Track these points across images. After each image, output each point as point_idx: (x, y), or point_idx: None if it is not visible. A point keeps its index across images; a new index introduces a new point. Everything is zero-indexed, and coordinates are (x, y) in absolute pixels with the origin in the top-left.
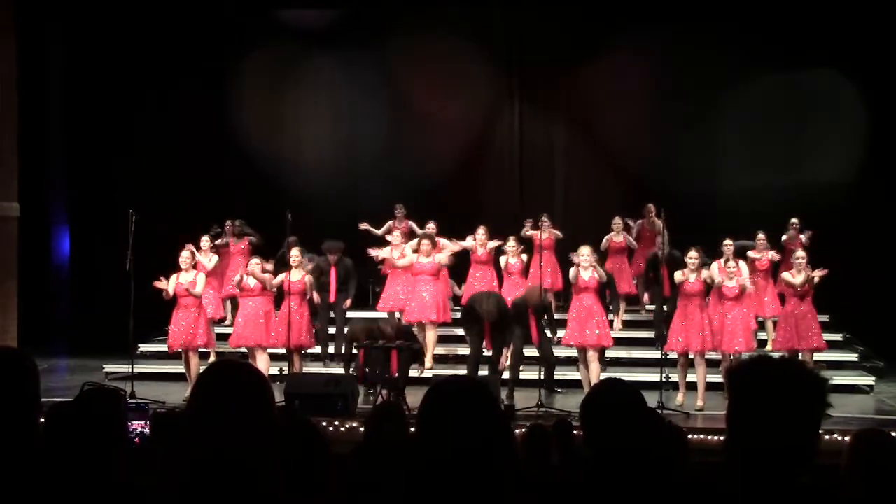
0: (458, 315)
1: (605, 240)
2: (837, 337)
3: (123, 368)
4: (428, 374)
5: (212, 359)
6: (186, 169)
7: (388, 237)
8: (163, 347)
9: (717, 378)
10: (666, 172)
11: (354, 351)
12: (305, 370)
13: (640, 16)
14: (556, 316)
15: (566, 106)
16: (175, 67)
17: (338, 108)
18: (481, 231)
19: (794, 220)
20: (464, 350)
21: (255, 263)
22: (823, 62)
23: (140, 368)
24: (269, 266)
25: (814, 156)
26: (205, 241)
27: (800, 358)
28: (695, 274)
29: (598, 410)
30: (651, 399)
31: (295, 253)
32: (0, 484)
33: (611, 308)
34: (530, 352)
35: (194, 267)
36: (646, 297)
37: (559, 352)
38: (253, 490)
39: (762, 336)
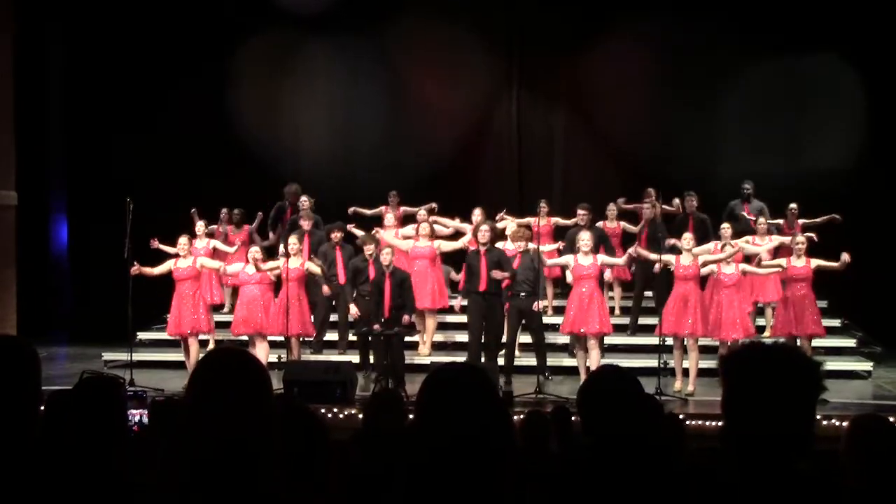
0: (454, 301)
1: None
2: (836, 322)
3: (122, 356)
4: (426, 360)
5: (210, 346)
6: (184, 157)
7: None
8: (162, 335)
9: (713, 364)
10: (665, 160)
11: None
12: (304, 358)
13: (640, 3)
14: (556, 303)
15: (565, 94)
16: (172, 55)
17: (336, 95)
18: (477, 212)
19: (792, 205)
20: (462, 337)
21: (256, 251)
22: (823, 48)
23: (139, 356)
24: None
25: (814, 142)
26: (199, 226)
27: (797, 344)
28: (689, 258)
29: (596, 397)
30: (649, 385)
31: (293, 241)
32: (1, 471)
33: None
34: (524, 338)
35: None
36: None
37: (559, 339)
38: (252, 478)
39: (761, 322)
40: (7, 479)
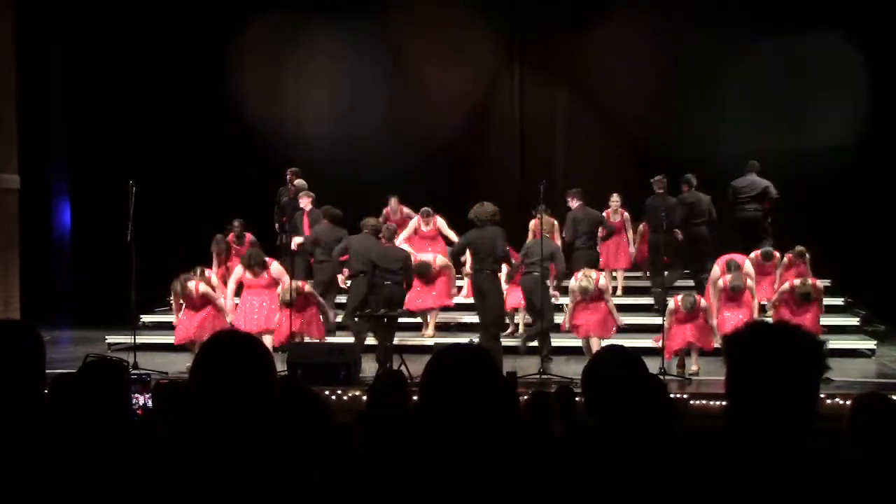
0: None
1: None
2: (839, 301)
3: (126, 339)
4: (430, 342)
5: None
6: (186, 140)
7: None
8: (165, 318)
9: (717, 343)
10: (668, 139)
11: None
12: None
13: None
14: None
15: (567, 74)
16: (175, 39)
17: (337, 77)
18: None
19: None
20: (467, 318)
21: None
22: (826, 25)
23: (142, 339)
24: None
25: (816, 120)
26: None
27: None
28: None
29: (600, 378)
30: (652, 366)
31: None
32: (6, 455)
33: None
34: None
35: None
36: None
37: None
38: (256, 459)
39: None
40: (12, 464)
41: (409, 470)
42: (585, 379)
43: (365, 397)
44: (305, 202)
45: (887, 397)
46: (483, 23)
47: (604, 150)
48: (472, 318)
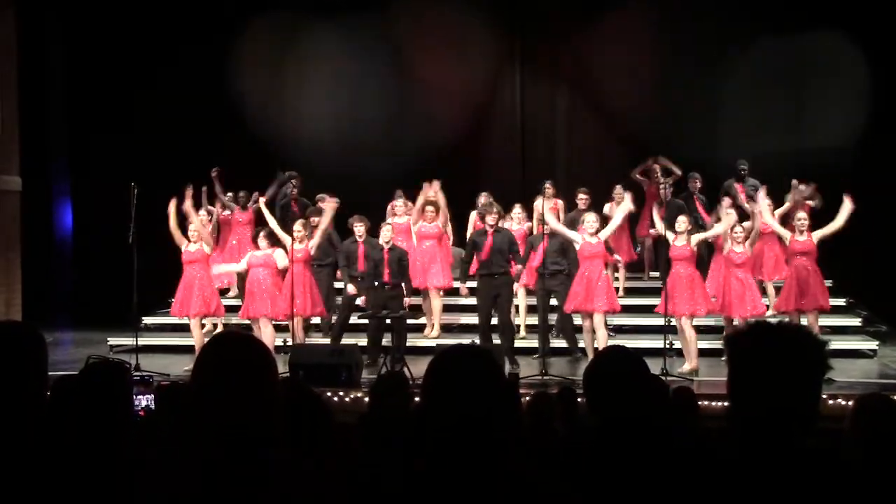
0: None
1: (606, 207)
2: (841, 301)
3: (128, 341)
4: (432, 342)
5: (219, 328)
6: (188, 140)
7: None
8: (167, 320)
9: (720, 344)
10: (669, 136)
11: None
12: (309, 341)
13: None
14: None
15: (568, 73)
16: (175, 39)
17: (339, 75)
18: (482, 196)
19: (797, 183)
20: (468, 319)
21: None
22: (826, 25)
23: (144, 341)
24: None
25: (817, 119)
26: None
27: (802, 321)
28: (683, 239)
29: (602, 378)
30: (655, 366)
31: (298, 228)
32: (8, 457)
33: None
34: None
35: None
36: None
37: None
38: (256, 460)
39: (764, 301)
40: (14, 465)
41: (411, 471)
42: (587, 379)
43: (367, 398)
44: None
45: (889, 398)
46: (484, 22)
47: (604, 148)
48: (473, 320)
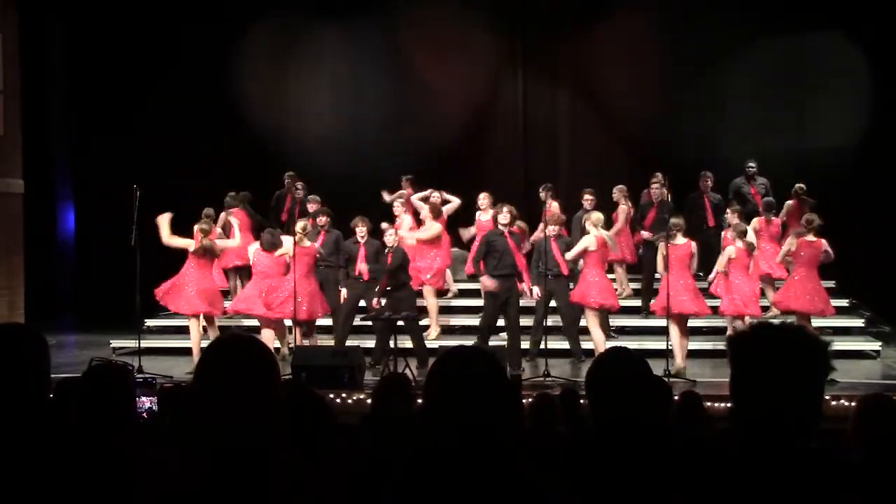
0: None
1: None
2: (844, 302)
3: (130, 343)
4: (434, 344)
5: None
6: (190, 143)
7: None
8: (169, 322)
9: (722, 345)
10: (670, 137)
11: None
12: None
13: None
14: None
15: (569, 74)
16: (177, 41)
17: (340, 76)
18: (483, 197)
19: (799, 186)
20: (469, 321)
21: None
22: (826, 25)
23: (147, 343)
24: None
25: (819, 120)
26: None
27: (803, 322)
28: (683, 239)
29: (605, 380)
30: (657, 367)
31: (300, 226)
32: (11, 458)
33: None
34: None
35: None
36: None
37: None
38: (259, 463)
39: (763, 303)
40: (16, 467)
41: (413, 472)
42: (590, 380)
43: (369, 401)
44: (313, 206)
45: (892, 399)
46: (485, 23)
47: (605, 149)
48: (474, 321)
